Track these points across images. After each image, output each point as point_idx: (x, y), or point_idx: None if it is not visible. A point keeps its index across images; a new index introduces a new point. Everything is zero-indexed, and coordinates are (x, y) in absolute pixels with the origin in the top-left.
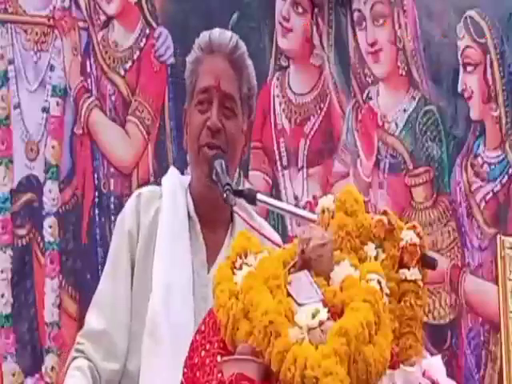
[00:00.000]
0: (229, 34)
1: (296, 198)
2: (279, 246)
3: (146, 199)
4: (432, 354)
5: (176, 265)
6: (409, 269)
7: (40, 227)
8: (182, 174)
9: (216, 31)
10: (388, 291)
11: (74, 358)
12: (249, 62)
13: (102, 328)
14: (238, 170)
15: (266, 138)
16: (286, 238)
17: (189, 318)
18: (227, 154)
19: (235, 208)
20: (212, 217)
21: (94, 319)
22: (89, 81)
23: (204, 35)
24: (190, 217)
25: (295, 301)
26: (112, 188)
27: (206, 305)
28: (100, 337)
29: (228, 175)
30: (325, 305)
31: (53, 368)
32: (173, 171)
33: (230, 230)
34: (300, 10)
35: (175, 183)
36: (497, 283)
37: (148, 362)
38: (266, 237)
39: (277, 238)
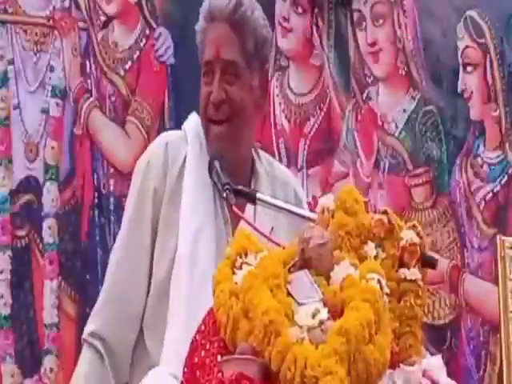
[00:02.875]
0: None
1: None
2: (281, 246)
3: (175, 149)
4: (432, 355)
5: (201, 213)
6: (409, 268)
7: (39, 228)
8: None
9: None
10: (388, 291)
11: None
12: (255, 13)
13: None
14: None
15: (266, 138)
16: None
17: (211, 267)
18: (232, 122)
19: (234, 208)
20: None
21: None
22: (88, 81)
23: (205, 3)
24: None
25: (295, 300)
26: (112, 188)
27: None
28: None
29: (225, 174)
30: (325, 304)
31: (52, 369)
32: (194, 118)
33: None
34: (300, 10)
35: (199, 132)
36: (496, 283)
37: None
38: (267, 237)
39: None
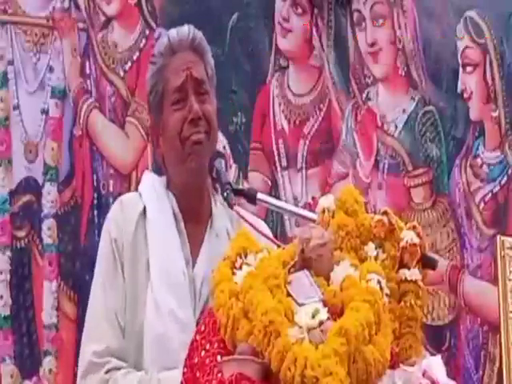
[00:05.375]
0: (184, 28)
1: (295, 198)
2: (278, 246)
3: (130, 202)
4: (431, 355)
5: (171, 261)
6: (409, 269)
7: (39, 229)
8: None
9: (173, 32)
10: (388, 291)
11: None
12: (207, 45)
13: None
14: (237, 170)
15: (266, 139)
16: (284, 239)
17: (188, 314)
18: (210, 135)
19: (235, 207)
20: (194, 211)
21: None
22: (88, 82)
23: (162, 41)
24: (174, 214)
25: (295, 300)
26: (111, 189)
27: (195, 301)
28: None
29: (227, 173)
30: (325, 305)
31: (51, 370)
32: (147, 175)
33: (209, 224)
34: (299, 10)
35: (154, 184)
36: (496, 284)
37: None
38: (263, 234)
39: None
